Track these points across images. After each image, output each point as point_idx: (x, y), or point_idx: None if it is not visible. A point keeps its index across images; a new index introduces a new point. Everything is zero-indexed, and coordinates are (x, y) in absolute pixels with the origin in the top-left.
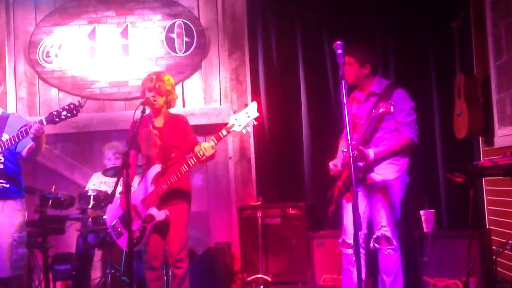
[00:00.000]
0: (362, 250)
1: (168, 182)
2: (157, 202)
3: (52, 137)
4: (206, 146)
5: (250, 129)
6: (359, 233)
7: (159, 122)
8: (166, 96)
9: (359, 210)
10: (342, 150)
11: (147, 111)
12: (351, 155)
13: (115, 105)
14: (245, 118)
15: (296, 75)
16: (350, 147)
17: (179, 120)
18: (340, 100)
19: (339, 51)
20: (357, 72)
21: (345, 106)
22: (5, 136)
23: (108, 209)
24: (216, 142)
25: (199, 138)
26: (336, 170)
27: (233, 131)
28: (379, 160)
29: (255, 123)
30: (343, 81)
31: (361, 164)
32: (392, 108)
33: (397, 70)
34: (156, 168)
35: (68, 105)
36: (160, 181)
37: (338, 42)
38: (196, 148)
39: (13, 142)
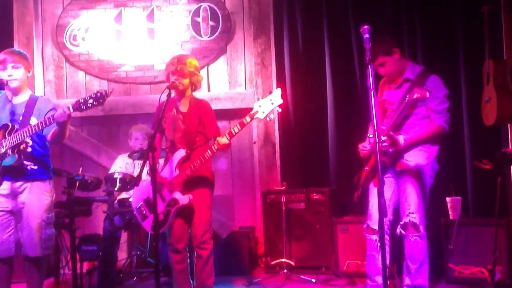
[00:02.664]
0: (386, 237)
1: (192, 167)
2: (181, 187)
3: (79, 119)
4: (222, 142)
5: (273, 116)
6: (385, 219)
7: (184, 106)
8: (190, 78)
9: (385, 196)
10: (368, 136)
11: (172, 94)
12: (377, 140)
13: (140, 88)
14: (269, 105)
15: (321, 59)
16: (376, 133)
17: (203, 105)
18: (367, 85)
19: (366, 35)
20: (392, 64)
21: (372, 92)
22: (33, 120)
23: (133, 192)
24: (229, 138)
25: (224, 123)
26: (365, 153)
27: (256, 118)
28: (409, 146)
29: (279, 110)
30: (369, 66)
31: (390, 150)
32: (427, 94)
33: (425, 56)
34: (180, 153)
35: (95, 93)
36: (184, 166)
37: (365, 27)
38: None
39: (40, 127)
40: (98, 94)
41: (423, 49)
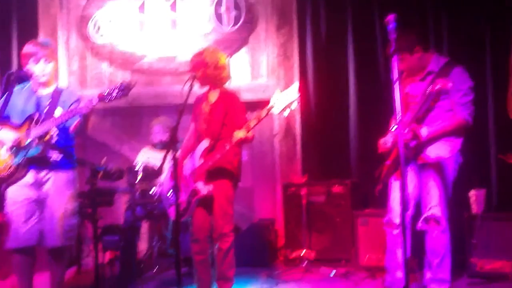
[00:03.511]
0: (407, 231)
1: (214, 158)
2: (204, 177)
3: (102, 110)
4: (236, 136)
5: (287, 113)
6: (406, 213)
7: (212, 97)
8: (216, 70)
9: (407, 190)
10: (391, 129)
11: (195, 86)
12: (400, 133)
13: (163, 80)
14: (284, 100)
15: (345, 50)
16: (399, 125)
17: (232, 97)
18: (390, 77)
19: (391, 26)
20: (412, 62)
21: (396, 84)
22: (58, 111)
23: (165, 179)
24: (245, 132)
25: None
26: (384, 148)
27: (272, 113)
28: (431, 139)
29: (296, 104)
30: (394, 58)
31: (412, 143)
32: (449, 85)
33: (450, 47)
34: (204, 143)
35: (120, 85)
36: (208, 157)
37: (391, 17)
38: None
39: (64, 118)
40: (123, 86)
41: (449, 41)
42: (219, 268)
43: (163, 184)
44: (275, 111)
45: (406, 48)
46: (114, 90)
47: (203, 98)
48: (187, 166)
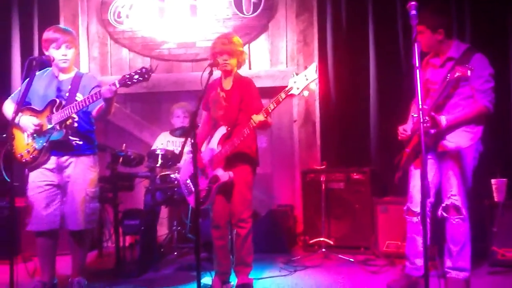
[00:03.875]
0: (427, 219)
1: (233, 144)
2: (223, 164)
3: (122, 96)
4: (256, 120)
5: (307, 93)
6: (426, 201)
7: (227, 84)
8: (237, 58)
9: (427, 178)
10: (413, 116)
11: (217, 73)
12: (421, 121)
13: (182, 66)
14: (303, 80)
15: (365, 37)
16: (421, 112)
17: (247, 83)
18: (412, 64)
19: (413, 12)
20: (431, 39)
21: (417, 70)
22: (79, 96)
23: (182, 167)
24: (265, 115)
25: (264, 101)
26: (405, 136)
27: (291, 94)
28: (451, 127)
29: (315, 85)
30: (415, 44)
31: (432, 131)
32: (469, 72)
33: (473, 34)
34: (221, 130)
35: (140, 69)
36: (226, 143)
37: (412, 3)
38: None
39: (86, 103)
40: (144, 70)
41: (471, 26)
42: (238, 254)
43: (181, 172)
44: (295, 91)
45: (429, 25)
46: (135, 74)
47: (215, 85)
48: (205, 154)
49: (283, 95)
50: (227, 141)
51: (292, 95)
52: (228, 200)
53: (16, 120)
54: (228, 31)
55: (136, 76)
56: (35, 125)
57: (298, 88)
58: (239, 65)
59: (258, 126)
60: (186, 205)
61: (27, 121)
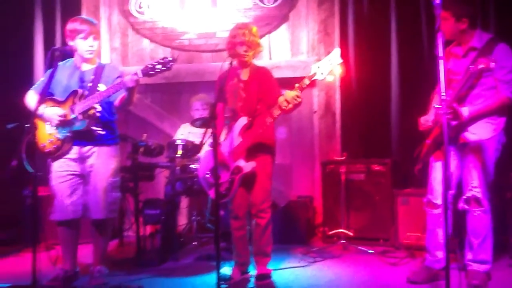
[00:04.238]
0: (448, 211)
1: (254, 135)
2: (245, 155)
3: (143, 87)
4: (290, 96)
5: (333, 78)
6: (448, 193)
7: (244, 75)
8: (255, 49)
9: (450, 169)
10: (434, 107)
11: (234, 63)
12: (444, 112)
13: (202, 56)
14: (327, 65)
15: (387, 27)
16: (443, 104)
17: (264, 72)
18: (435, 54)
19: (437, 1)
20: (454, 27)
21: (441, 61)
22: (101, 86)
23: (200, 161)
24: (299, 92)
25: (286, 91)
26: (426, 126)
27: (315, 79)
28: (473, 119)
29: (339, 70)
30: (439, 34)
31: (454, 122)
32: (492, 64)
33: (497, 23)
34: (242, 121)
35: (163, 59)
36: (247, 134)
37: None
38: (280, 99)
39: (109, 93)
40: (166, 60)
41: (496, 15)
42: (257, 244)
43: (199, 166)
44: (319, 76)
45: (454, 13)
46: (157, 64)
47: (230, 76)
48: (224, 146)
49: (306, 81)
50: (247, 132)
51: (314, 84)
52: (248, 191)
53: (40, 112)
54: (248, 21)
55: (159, 66)
56: (60, 116)
57: (322, 73)
58: (254, 57)
59: (293, 109)
60: (205, 196)
61: (52, 112)
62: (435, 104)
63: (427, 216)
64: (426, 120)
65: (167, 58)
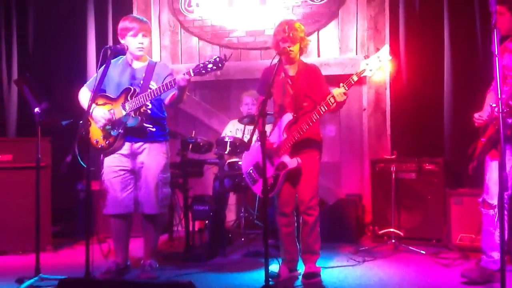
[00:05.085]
0: (505, 212)
1: (300, 131)
2: (290, 150)
3: (192, 84)
4: (336, 92)
5: (379, 75)
6: (504, 193)
7: (292, 71)
8: (300, 44)
9: (506, 169)
10: (490, 105)
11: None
12: (500, 110)
13: (250, 54)
14: (376, 62)
15: (440, 23)
16: (500, 101)
17: (312, 69)
18: (491, 50)
19: None
20: (510, 22)
21: (496, 58)
22: (153, 84)
23: (243, 157)
24: (346, 88)
25: (332, 89)
26: (481, 122)
27: (364, 76)
28: None
29: (389, 67)
30: (495, 31)
31: (510, 120)
32: None
33: None
34: (288, 117)
35: (214, 58)
36: (292, 130)
37: None
38: (328, 96)
39: (160, 91)
40: (217, 59)
41: None
42: (305, 242)
43: (242, 163)
44: (368, 73)
45: (511, 7)
46: (209, 63)
47: (277, 71)
48: (270, 140)
49: (355, 77)
50: (293, 128)
51: (363, 81)
52: (295, 187)
53: (91, 110)
54: (297, 18)
55: (210, 66)
56: (106, 119)
57: (371, 70)
58: (301, 52)
59: (338, 107)
60: (253, 192)
61: (98, 114)
62: (491, 102)
63: (483, 216)
64: (481, 116)
65: (219, 57)
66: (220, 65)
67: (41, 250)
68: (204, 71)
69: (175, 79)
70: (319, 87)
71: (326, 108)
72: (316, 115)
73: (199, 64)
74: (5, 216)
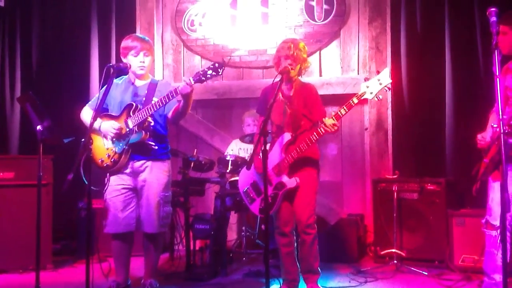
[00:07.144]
0: (507, 233)
1: (298, 150)
2: (288, 170)
3: (194, 102)
4: (328, 123)
5: (381, 96)
6: (506, 215)
7: (289, 90)
8: (301, 64)
9: (508, 190)
10: (492, 126)
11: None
12: (502, 131)
13: (253, 73)
14: (376, 85)
15: (441, 44)
16: (501, 122)
17: (309, 89)
18: (492, 71)
19: (493, 18)
20: None
21: (497, 79)
22: (155, 101)
23: (240, 175)
24: (342, 114)
25: (335, 108)
26: (483, 144)
27: (364, 99)
28: None
29: (388, 90)
30: (496, 52)
31: (511, 140)
32: None
33: None
34: (286, 137)
35: (213, 64)
36: (290, 150)
37: (493, 9)
38: (319, 126)
39: (163, 102)
40: (216, 64)
41: None
42: (305, 261)
43: (239, 183)
44: (368, 96)
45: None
46: (208, 69)
47: (274, 91)
48: (268, 160)
49: (355, 100)
50: (291, 147)
51: (365, 100)
52: (292, 206)
53: (96, 126)
54: (299, 38)
55: (210, 72)
56: (116, 129)
57: (371, 93)
58: (300, 73)
59: (329, 131)
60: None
61: (108, 125)
62: (493, 123)
63: (486, 237)
64: (483, 137)
65: (217, 63)
66: (219, 70)
67: (41, 269)
68: (204, 78)
69: (177, 88)
70: (315, 107)
71: (317, 137)
72: (315, 136)
73: (199, 72)
74: (5, 234)
